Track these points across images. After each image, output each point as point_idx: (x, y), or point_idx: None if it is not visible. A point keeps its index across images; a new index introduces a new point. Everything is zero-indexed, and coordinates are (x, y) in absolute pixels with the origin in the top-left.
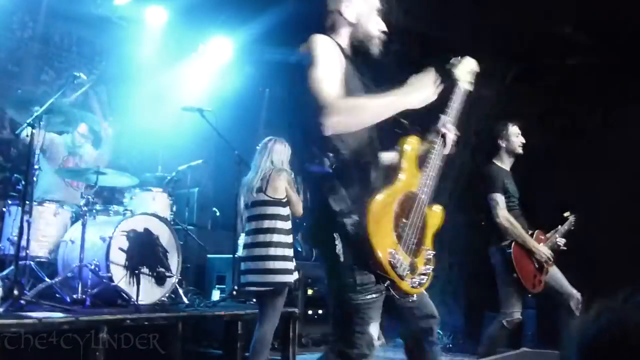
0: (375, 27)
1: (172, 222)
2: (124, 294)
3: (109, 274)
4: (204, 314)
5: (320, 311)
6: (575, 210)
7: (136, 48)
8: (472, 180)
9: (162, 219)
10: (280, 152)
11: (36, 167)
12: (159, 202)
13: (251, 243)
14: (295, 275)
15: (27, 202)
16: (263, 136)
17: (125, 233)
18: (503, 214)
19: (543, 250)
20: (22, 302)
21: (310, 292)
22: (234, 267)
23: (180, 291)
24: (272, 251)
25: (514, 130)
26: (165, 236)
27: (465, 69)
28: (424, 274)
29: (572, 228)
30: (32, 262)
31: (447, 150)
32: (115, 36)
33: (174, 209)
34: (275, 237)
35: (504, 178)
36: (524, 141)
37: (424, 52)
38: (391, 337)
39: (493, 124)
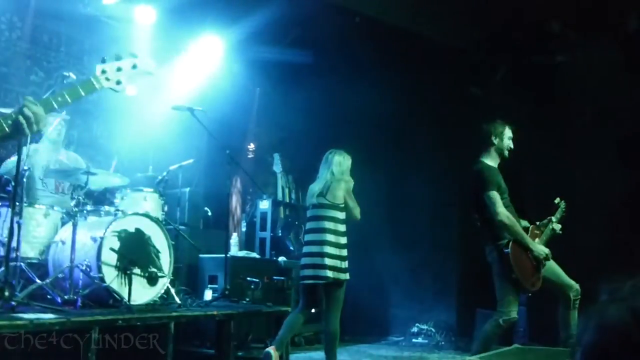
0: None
1: (163, 222)
2: (115, 295)
3: (101, 275)
4: (197, 314)
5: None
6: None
7: (125, 47)
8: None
9: (153, 219)
10: (339, 163)
11: (25, 168)
12: (150, 202)
13: (308, 241)
14: (345, 275)
15: (17, 204)
16: (253, 135)
17: (117, 233)
18: (502, 211)
19: (540, 249)
20: (13, 303)
21: None
22: (226, 267)
23: (172, 291)
24: (326, 249)
25: (508, 132)
26: (156, 236)
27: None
28: None
29: (564, 214)
30: (22, 263)
31: None
32: (104, 35)
33: (166, 209)
34: (329, 237)
35: (496, 175)
36: (512, 147)
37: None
38: (384, 335)
39: (487, 122)
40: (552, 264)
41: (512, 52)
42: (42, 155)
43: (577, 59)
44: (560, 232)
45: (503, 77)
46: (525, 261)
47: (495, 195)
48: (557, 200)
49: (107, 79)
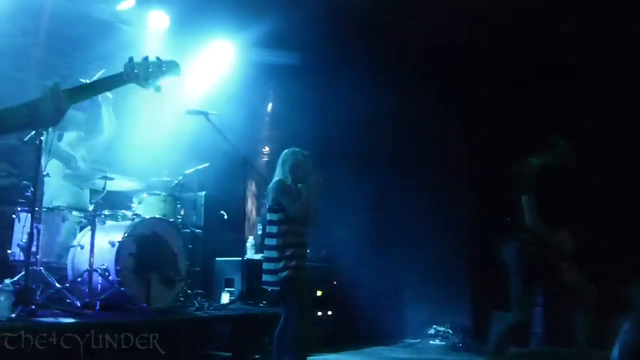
0: None
1: (180, 226)
2: (133, 298)
3: (119, 279)
4: (213, 317)
5: (328, 312)
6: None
7: (139, 53)
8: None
9: (170, 223)
10: (282, 162)
11: (44, 172)
12: (166, 206)
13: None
14: (280, 275)
15: (37, 209)
16: (267, 138)
17: (134, 237)
18: (534, 217)
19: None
20: (33, 307)
21: (318, 293)
22: (243, 270)
23: (190, 294)
24: (264, 253)
25: (564, 153)
26: (173, 240)
27: None
28: None
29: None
30: (42, 268)
31: None
32: (118, 41)
33: (182, 212)
34: (266, 241)
35: (534, 178)
36: (558, 165)
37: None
38: (400, 337)
39: (561, 136)
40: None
41: (521, 52)
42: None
43: (589, 59)
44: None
45: (512, 77)
46: (550, 255)
47: (530, 200)
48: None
49: (137, 76)
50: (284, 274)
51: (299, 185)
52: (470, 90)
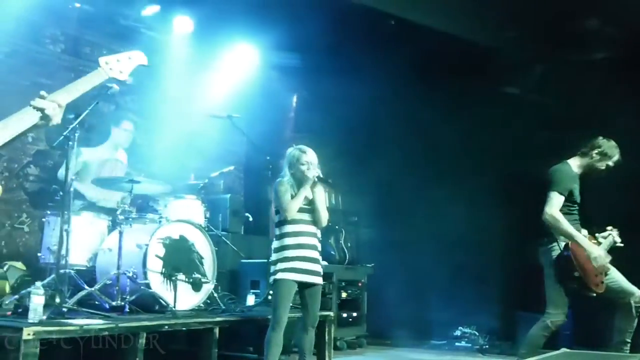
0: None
1: (206, 229)
2: (161, 300)
3: (147, 281)
4: (240, 319)
5: (354, 314)
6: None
7: (164, 57)
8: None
9: (196, 226)
10: (285, 162)
11: (73, 177)
12: (193, 209)
13: None
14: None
15: (66, 212)
16: (291, 141)
17: (161, 240)
18: (550, 212)
19: (598, 252)
20: (63, 309)
21: (344, 295)
22: (268, 272)
23: (216, 296)
24: None
25: (614, 158)
26: (200, 242)
27: None
28: None
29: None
30: (71, 271)
31: None
32: (143, 46)
33: (208, 215)
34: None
35: (573, 181)
36: (604, 170)
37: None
38: (426, 339)
39: (604, 137)
40: (612, 270)
41: (549, 50)
42: (98, 158)
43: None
44: (621, 244)
45: (539, 76)
46: (587, 262)
47: (554, 196)
48: (608, 231)
49: (111, 69)
50: (273, 277)
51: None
52: (500, 89)
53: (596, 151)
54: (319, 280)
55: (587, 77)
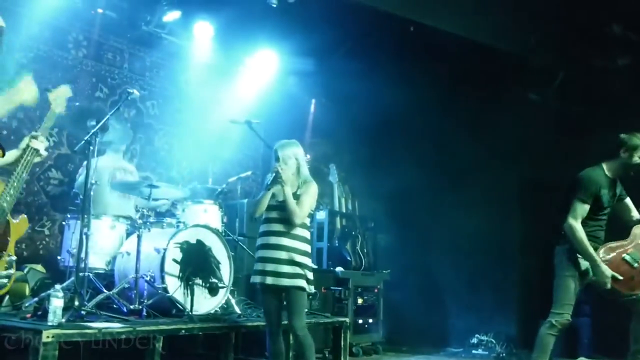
0: None
1: (223, 233)
2: (178, 305)
3: (164, 285)
4: (257, 324)
5: (370, 320)
6: None
7: (185, 62)
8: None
9: (214, 231)
10: None
11: (92, 181)
12: (210, 214)
13: None
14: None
15: (86, 216)
16: (309, 146)
17: (179, 245)
18: (570, 222)
19: (604, 271)
20: (82, 312)
21: (360, 301)
22: None
23: (233, 301)
24: None
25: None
26: (217, 247)
27: None
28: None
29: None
30: (90, 274)
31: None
32: (164, 52)
33: (225, 220)
34: None
35: (601, 187)
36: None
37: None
38: (443, 346)
39: (626, 132)
40: None
41: (570, 56)
42: (108, 166)
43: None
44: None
45: (561, 82)
46: (622, 266)
47: (577, 205)
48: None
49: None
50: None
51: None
52: (520, 95)
53: (623, 149)
54: (279, 281)
55: (609, 83)
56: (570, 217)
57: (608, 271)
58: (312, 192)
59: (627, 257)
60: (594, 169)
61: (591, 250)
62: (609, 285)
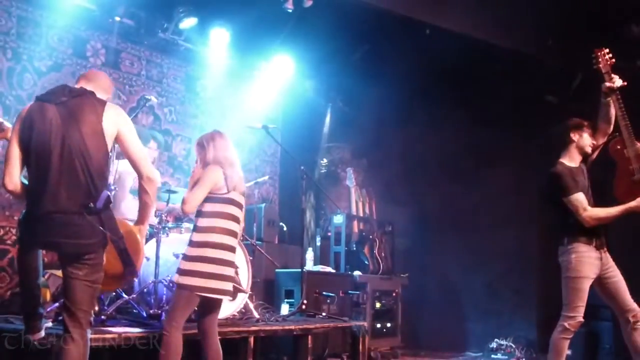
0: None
1: (241, 238)
2: (197, 309)
3: None
4: (275, 328)
5: (389, 324)
6: None
7: (201, 69)
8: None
9: None
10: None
11: (113, 187)
12: None
13: None
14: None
15: None
16: (326, 150)
17: None
18: (587, 215)
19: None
20: (102, 317)
21: (378, 305)
22: (302, 281)
23: (251, 306)
24: None
25: (587, 130)
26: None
27: None
28: None
29: None
30: None
31: None
32: (181, 58)
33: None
34: None
35: (575, 176)
36: (594, 143)
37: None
38: (461, 350)
39: (565, 121)
40: (618, 281)
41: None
42: (131, 172)
43: None
44: None
45: (579, 84)
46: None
47: (577, 198)
48: None
49: None
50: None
51: None
52: (537, 97)
53: (572, 133)
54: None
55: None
56: (580, 214)
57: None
58: (204, 178)
59: None
60: (557, 166)
61: (619, 209)
62: None
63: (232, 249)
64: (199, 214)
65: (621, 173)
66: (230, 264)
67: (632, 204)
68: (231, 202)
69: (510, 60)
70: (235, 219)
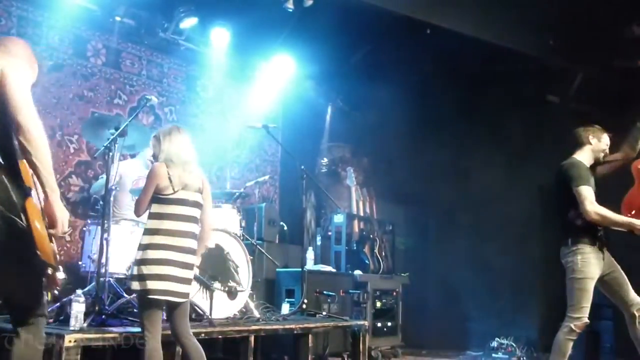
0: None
1: (241, 237)
2: (197, 309)
3: None
4: (276, 328)
5: (389, 323)
6: None
7: (201, 68)
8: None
9: (232, 235)
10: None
11: (114, 188)
12: (228, 218)
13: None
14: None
15: (106, 222)
16: (326, 150)
17: None
18: (593, 209)
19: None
20: (103, 316)
21: (379, 304)
22: (303, 281)
23: (252, 305)
24: None
25: (605, 138)
26: (235, 251)
27: None
28: None
29: None
30: (111, 278)
31: None
32: (181, 58)
33: (243, 224)
34: None
35: (587, 171)
36: (607, 152)
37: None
38: (462, 349)
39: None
40: (620, 277)
41: (590, 57)
42: (135, 171)
43: None
44: None
45: (580, 84)
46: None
47: (586, 190)
48: None
49: None
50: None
51: None
52: (539, 97)
53: (590, 136)
54: None
55: (629, 84)
56: (585, 206)
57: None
58: (146, 179)
59: None
60: (574, 159)
61: (624, 218)
62: None
63: (183, 250)
64: (148, 215)
65: (636, 191)
66: (181, 264)
67: (638, 223)
68: (181, 202)
69: (512, 61)
70: (189, 219)
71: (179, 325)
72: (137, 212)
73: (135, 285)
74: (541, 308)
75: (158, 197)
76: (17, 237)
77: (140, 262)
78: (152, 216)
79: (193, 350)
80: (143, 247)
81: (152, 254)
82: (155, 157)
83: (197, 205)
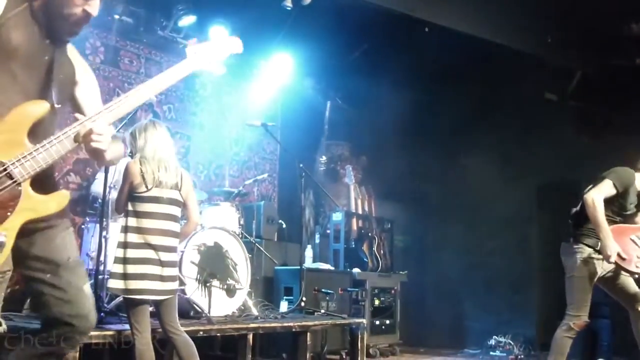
0: None
1: (240, 235)
2: (196, 306)
3: (182, 287)
4: (274, 325)
5: (387, 321)
6: None
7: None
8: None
9: (231, 233)
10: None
11: (111, 185)
12: (227, 216)
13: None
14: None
15: (104, 220)
16: (325, 148)
17: (196, 247)
18: (594, 196)
19: (612, 246)
20: (101, 314)
21: (377, 302)
22: (301, 279)
23: (250, 303)
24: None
25: None
26: (234, 249)
27: None
28: None
29: None
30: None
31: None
32: (180, 56)
33: (242, 222)
34: None
35: (631, 184)
36: None
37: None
38: (460, 347)
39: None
40: (622, 274)
41: (588, 55)
42: None
43: None
44: None
45: (578, 82)
46: (626, 245)
47: (607, 183)
48: None
49: (201, 58)
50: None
51: None
52: (538, 95)
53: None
54: None
55: (627, 83)
56: (594, 191)
57: (615, 247)
58: (122, 178)
59: (635, 238)
60: (626, 169)
61: (606, 225)
62: (613, 259)
63: (162, 248)
64: (125, 213)
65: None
66: (161, 262)
67: (611, 245)
68: (155, 200)
69: (510, 58)
70: (165, 217)
71: (167, 321)
72: (117, 211)
73: (115, 284)
74: (539, 306)
75: (133, 195)
76: None
77: (117, 261)
78: (129, 214)
79: (182, 345)
80: (122, 245)
81: (130, 253)
82: (131, 153)
83: (173, 202)
